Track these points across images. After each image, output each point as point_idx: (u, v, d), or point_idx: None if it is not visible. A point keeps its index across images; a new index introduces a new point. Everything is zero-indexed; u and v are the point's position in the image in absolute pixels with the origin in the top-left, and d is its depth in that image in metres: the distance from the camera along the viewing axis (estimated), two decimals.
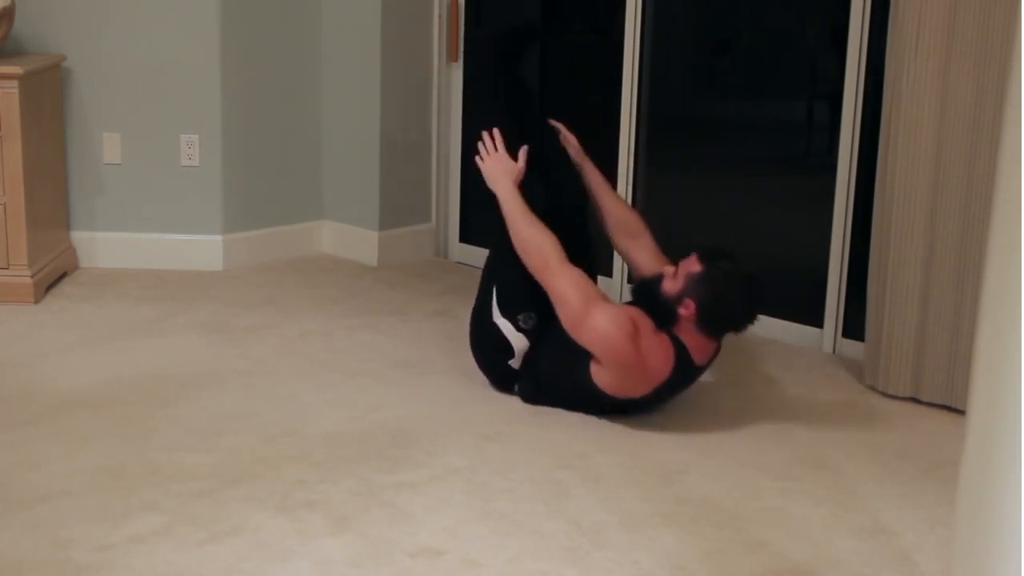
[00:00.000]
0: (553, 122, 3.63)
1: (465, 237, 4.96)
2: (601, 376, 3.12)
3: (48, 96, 4.31)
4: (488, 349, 3.39)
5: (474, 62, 4.82)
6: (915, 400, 3.45)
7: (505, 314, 3.33)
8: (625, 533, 2.59)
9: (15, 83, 3.96)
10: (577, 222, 3.52)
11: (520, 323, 3.32)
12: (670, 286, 3.14)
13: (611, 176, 4.40)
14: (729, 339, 3.28)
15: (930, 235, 3.34)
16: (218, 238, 4.63)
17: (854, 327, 3.80)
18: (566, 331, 3.16)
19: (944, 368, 3.37)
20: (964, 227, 3.27)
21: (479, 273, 3.53)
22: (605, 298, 3.18)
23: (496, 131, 3.40)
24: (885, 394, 3.49)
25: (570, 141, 3.61)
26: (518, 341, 3.32)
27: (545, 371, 3.28)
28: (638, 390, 3.12)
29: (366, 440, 3.05)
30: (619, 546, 2.53)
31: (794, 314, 3.98)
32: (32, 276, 4.09)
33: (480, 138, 3.42)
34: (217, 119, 4.55)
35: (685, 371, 3.15)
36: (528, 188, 3.40)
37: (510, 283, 3.36)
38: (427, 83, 4.84)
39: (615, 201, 3.61)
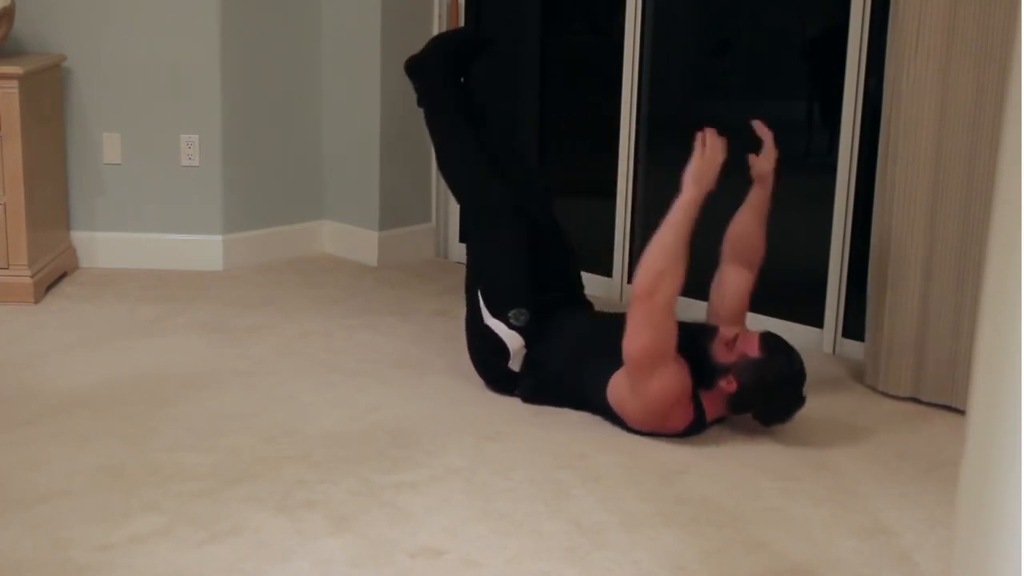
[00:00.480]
0: (759, 128, 3.40)
1: (465, 237, 4.95)
2: (618, 395, 3.10)
3: (48, 96, 4.31)
4: (485, 353, 3.39)
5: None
6: (915, 400, 3.45)
7: (496, 315, 3.33)
8: (625, 533, 2.59)
9: (15, 83, 3.96)
10: (545, 221, 3.53)
11: (512, 321, 3.32)
12: (722, 355, 3.07)
13: (611, 176, 4.41)
14: None
15: (930, 235, 3.34)
16: (218, 238, 4.63)
17: (854, 327, 3.80)
18: (576, 334, 3.16)
19: (944, 368, 3.37)
20: (964, 227, 3.27)
21: (465, 279, 3.52)
22: (674, 356, 3.03)
23: (722, 137, 3.15)
24: (885, 394, 3.49)
25: (767, 152, 3.38)
26: (512, 340, 3.32)
27: (552, 369, 3.28)
28: (645, 427, 3.11)
29: (366, 440, 3.05)
30: (619, 546, 2.53)
31: (794, 314, 3.98)
32: (32, 276, 4.09)
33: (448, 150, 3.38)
34: (217, 119, 4.55)
35: (694, 428, 3.13)
36: (487, 185, 3.42)
37: (496, 282, 3.36)
38: None
39: (758, 226, 3.36)
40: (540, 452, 3.01)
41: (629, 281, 4.40)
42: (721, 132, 3.13)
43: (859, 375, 3.62)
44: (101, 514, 2.60)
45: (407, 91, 4.79)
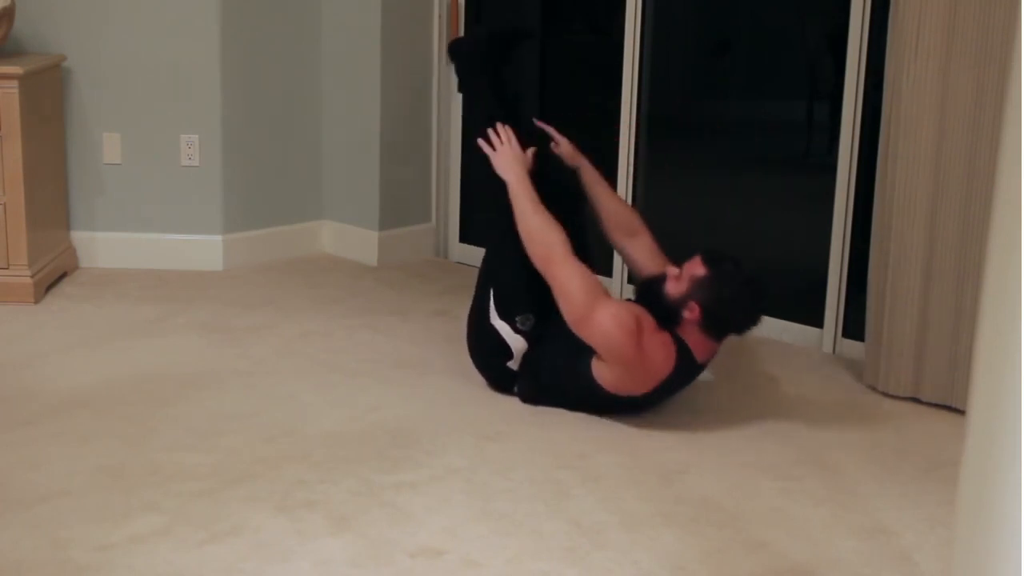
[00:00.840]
0: (541, 124, 3.61)
1: (465, 237, 4.96)
2: (603, 373, 3.13)
3: (48, 96, 4.31)
4: (485, 351, 3.39)
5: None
6: (915, 400, 3.45)
7: (503, 316, 3.33)
8: (625, 533, 2.59)
9: (15, 83, 3.96)
10: (576, 223, 3.51)
11: (518, 325, 3.32)
12: (674, 288, 3.14)
13: (611, 176, 4.40)
14: (730, 339, 3.28)
15: (930, 235, 3.34)
16: (218, 238, 4.63)
17: (854, 327, 3.80)
18: (568, 327, 3.16)
19: (944, 368, 3.37)
20: (964, 227, 3.27)
21: (479, 273, 3.52)
22: (608, 295, 3.18)
23: (508, 127, 3.38)
24: (885, 394, 3.49)
25: (561, 143, 3.59)
26: (516, 343, 3.32)
27: (546, 369, 3.28)
28: (639, 387, 3.12)
29: (366, 440, 3.05)
30: (619, 546, 2.53)
31: (794, 314, 3.98)
32: (32, 276, 4.09)
33: (484, 134, 3.40)
34: (217, 119, 4.55)
35: (687, 369, 3.15)
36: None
37: (509, 285, 3.36)
38: (427, 83, 4.84)
39: (613, 199, 3.60)
40: (540, 452, 3.01)
41: (629, 281, 4.40)
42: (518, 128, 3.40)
43: (859, 375, 3.63)
44: (101, 514, 2.60)
45: (407, 91, 4.80)
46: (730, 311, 3.13)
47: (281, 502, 2.68)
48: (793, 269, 4.22)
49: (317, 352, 3.73)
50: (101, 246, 4.58)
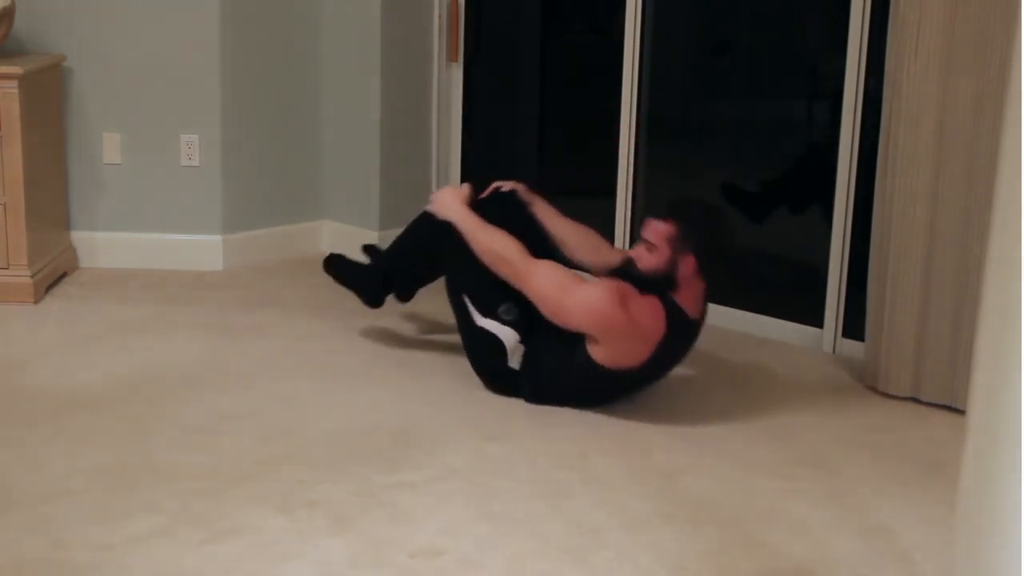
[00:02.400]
0: (493, 188, 3.64)
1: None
2: (599, 352, 3.14)
3: (48, 96, 4.31)
4: (483, 355, 3.39)
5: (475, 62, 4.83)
6: (915, 400, 3.45)
7: (486, 314, 3.34)
8: (625, 533, 2.59)
9: (15, 83, 3.96)
10: (527, 225, 3.56)
11: (504, 316, 3.32)
12: (652, 260, 3.16)
13: (611, 176, 4.41)
14: (729, 337, 3.28)
15: (930, 235, 3.34)
16: (218, 238, 4.63)
17: (854, 327, 3.80)
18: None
19: (944, 368, 3.37)
20: (964, 227, 3.27)
21: (448, 296, 3.52)
22: (579, 279, 3.22)
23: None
24: (885, 394, 3.49)
25: (512, 185, 3.62)
26: (508, 336, 3.31)
27: (547, 365, 3.28)
28: (638, 354, 3.13)
29: (366, 440, 3.05)
30: (619, 546, 2.53)
31: (794, 314, 3.98)
32: (32, 276, 4.09)
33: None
34: (217, 119, 4.55)
35: (681, 327, 3.17)
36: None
37: (478, 285, 3.37)
38: (427, 83, 4.84)
39: (568, 225, 3.62)
40: (540, 452, 3.01)
41: None
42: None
43: (859, 375, 3.62)
44: (101, 514, 2.60)
45: (407, 91, 4.80)
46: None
47: (281, 502, 2.68)
48: (793, 269, 4.22)
49: (317, 352, 3.73)
50: (101, 246, 4.58)
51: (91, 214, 4.56)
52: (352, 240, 4.86)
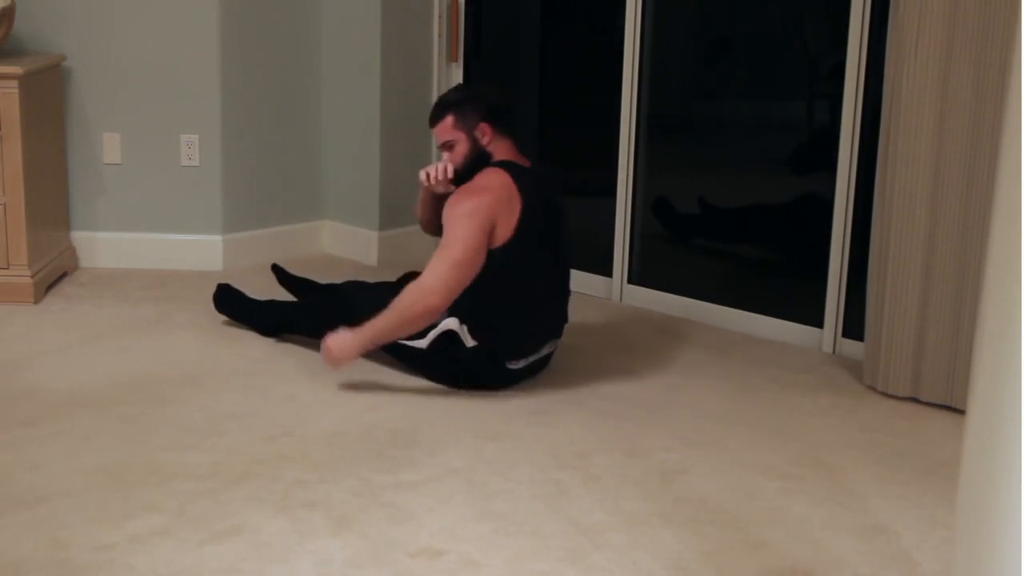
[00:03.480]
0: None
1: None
2: (493, 242, 3.26)
3: (48, 96, 4.31)
4: (443, 358, 3.38)
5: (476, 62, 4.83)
6: (915, 400, 3.45)
7: (424, 333, 3.34)
8: (625, 533, 2.59)
9: (15, 83, 3.96)
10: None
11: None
12: (456, 155, 3.36)
13: (611, 176, 4.41)
14: (729, 337, 3.28)
15: (930, 235, 3.34)
16: (218, 238, 4.63)
17: (854, 327, 3.80)
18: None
19: (944, 368, 3.37)
20: (964, 227, 3.27)
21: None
22: (441, 250, 3.27)
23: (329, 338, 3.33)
24: (885, 394, 3.49)
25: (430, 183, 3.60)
26: (450, 323, 3.32)
27: (481, 314, 3.32)
28: (512, 215, 3.24)
29: (366, 440, 3.05)
30: (619, 546, 2.53)
31: (794, 314, 3.98)
32: (32, 276, 4.09)
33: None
34: (217, 119, 4.55)
35: (522, 174, 3.31)
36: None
37: (472, 309, 3.35)
38: (427, 83, 4.84)
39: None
40: (540, 452, 3.01)
41: (629, 281, 4.41)
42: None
43: (859, 375, 3.62)
44: (101, 514, 2.60)
45: (407, 91, 4.80)
46: (491, 98, 3.39)
47: (281, 502, 2.68)
48: (793, 269, 4.22)
49: (317, 352, 3.72)
50: (101, 246, 4.58)
51: (91, 214, 4.56)
52: (352, 240, 4.86)
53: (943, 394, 3.39)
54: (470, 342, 3.32)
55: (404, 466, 2.90)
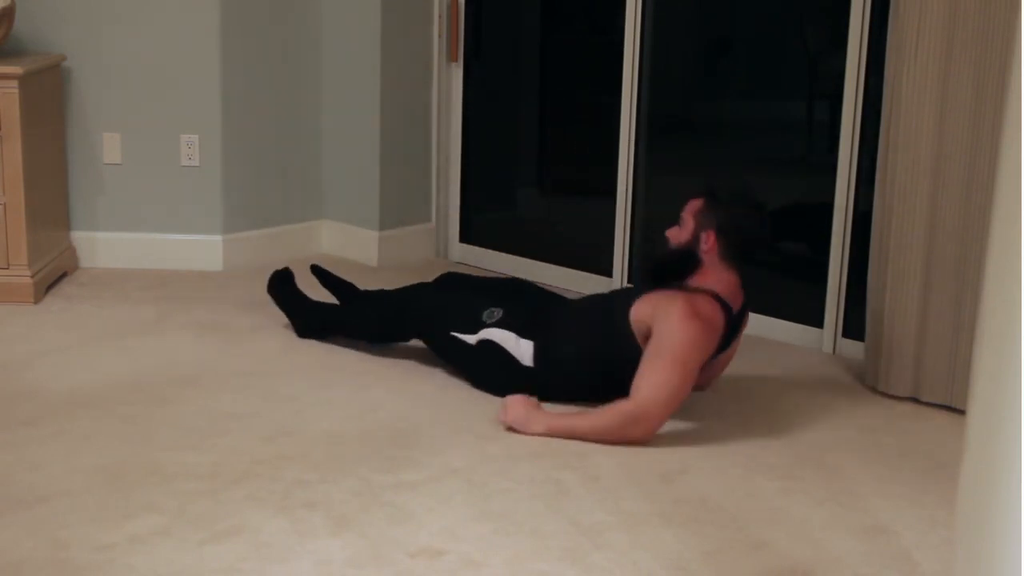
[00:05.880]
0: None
1: (465, 237, 4.96)
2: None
3: (48, 96, 4.31)
4: (492, 367, 3.36)
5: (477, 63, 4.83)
6: (915, 400, 3.45)
7: (474, 331, 3.35)
8: (625, 533, 2.59)
9: (15, 83, 3.96)
10: (522, 290, 3.59)
11: (488, 321, 3.35)
12: (681, 236, 3.16)
13: (611, 176, 4.41)
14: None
15: (930, 235, 3.34)
16: (218, 238, 4.63)
17: (854, 327, 3.80)
18: (591, 317, 3.24)
19: (944, 368, 3.37)
20: (964, 227, 3.27)
21: (479, 273, 3.53)
22: (662, 355, 3.03)
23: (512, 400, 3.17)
24: (885, 394, 3.49)
25: None
26: (505, 337, 3.30)
27: (566, 350, 3.24)
28: (710, 348, 3.08)
29: (366, 440, 3.05)
30: (619, 546, 2.53)
31: (794, 314, 3.98)
32: (32, 276, 4.09)
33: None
34: (217, 119, 4.55)
35: (730, 319, 3.13)
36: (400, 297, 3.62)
37: (451, 317, 3.40)
38: (427, 83, 4.84)
39: None
40: (540, 452, 3.01)
41: (629, 281, 4.41)
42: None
43: (859, 375, 3.63)
44: (101, 514, 2.60)
45: (407, 91, 4.80)
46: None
47: (281, 502, 2.68)
48: (793, 269, 4.22)
49: (317, 352, 3.73)
50: (101, 246, 4.58)
51: (91, 214, 4.56)
52: (352, 240, 4.86)
53: (943, 394, 3.39)
54: (526, 361, 3.30)
55: (404, 466, 2.90)
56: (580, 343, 3.25)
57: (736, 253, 3.15)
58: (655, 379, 3.00)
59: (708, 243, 3.11)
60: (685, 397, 3.07)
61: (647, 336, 3.09)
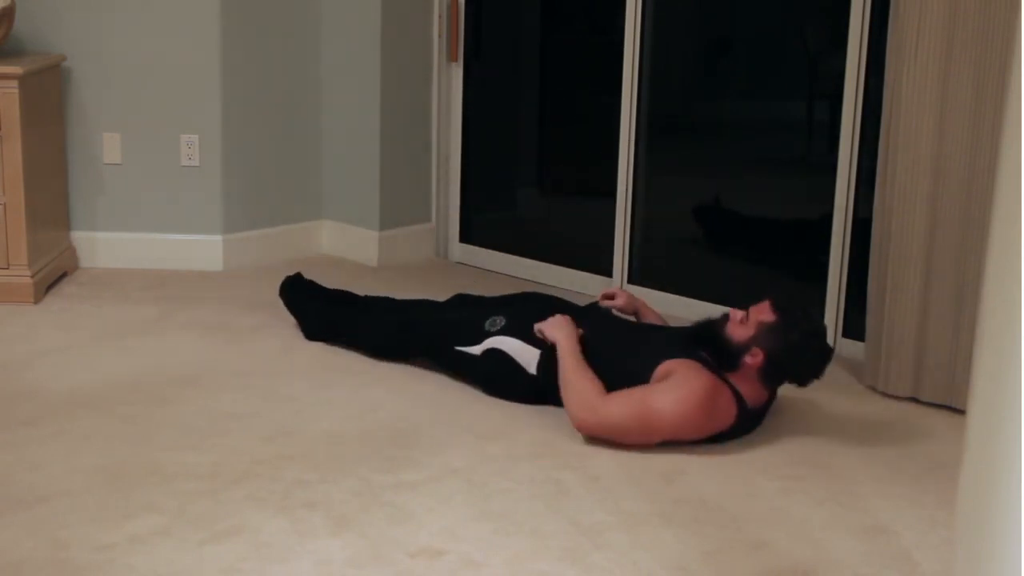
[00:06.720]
0: (603, 303, 3.56)
1: (465, 237, 4.96)
2: (663, 402, 3.02)
3: (48, 96, 4.31)
4: (499, 376, 3.35)
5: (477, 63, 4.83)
6: (915, 400, 3.45)
7: (479, 341, 3.35)
8: (625, 533, 2.59)
9: (15, 83, 3.96)
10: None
11: (491, 329, 3.35)
12: (738, 332, 3.07)
13: (611, 176, 4.41)
14: None
15: (930, 235, 3.34)
16: (218, 238, 4.63)
17: (854, 327, 3.80)
18: (624, 336, 3.26)
19: (944, 368, 3.37)
20: (964, 227, 3.27)
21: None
22: (653, 399, 3.00)
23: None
24: (885, 394, 3.49)
25: (618, 298, 3.56)
26: (510, 345, 3.30)
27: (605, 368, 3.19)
28: (693, 435, 3.04)
29: (366, 440, 3.06)
30: (619, 546, 2.53)
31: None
32: (32, 276, 4.09)
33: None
34: (217, 119, 4.55)
35: (744, 421, 3.09)
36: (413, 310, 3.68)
37: (452, 330, 3.43)
38: (427, 83, 4.84)
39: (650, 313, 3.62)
40: (540, 452, 3.01)
41: (629, 281, 4.41)
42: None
43: (859, 375, 3.63)
44: (101, 514, 2.60)
45: (407, 91, 4.80)
46: (795, 360, 3.07)
47: (281, 502, 2.68)
48: (793, 269, 4.22)
49: (317, 352, 3.73)
50: (101, 246, 4.58)
51: (91, 214, 4.56)
52: (352, 240, 4.87)
53: (943, 394, 3.39)
54: (532, 369, 3.30)
55: (404, 466, 2.90)
56: (592, 366, 3.17)
57: (775, 380, 3.12)
58: (631, 404, 2.99)
59: (755, 359, 3.04)
60: (635, 442, 3.01)
61: (660, 380, 3.06)
